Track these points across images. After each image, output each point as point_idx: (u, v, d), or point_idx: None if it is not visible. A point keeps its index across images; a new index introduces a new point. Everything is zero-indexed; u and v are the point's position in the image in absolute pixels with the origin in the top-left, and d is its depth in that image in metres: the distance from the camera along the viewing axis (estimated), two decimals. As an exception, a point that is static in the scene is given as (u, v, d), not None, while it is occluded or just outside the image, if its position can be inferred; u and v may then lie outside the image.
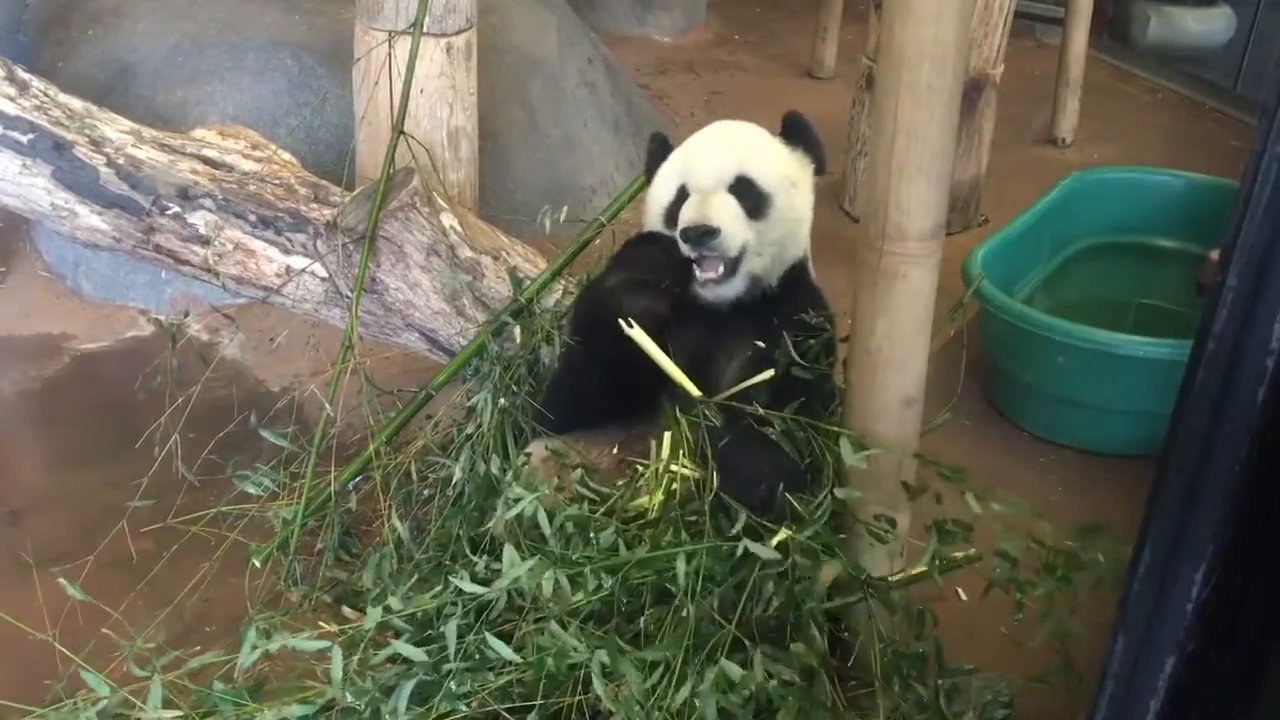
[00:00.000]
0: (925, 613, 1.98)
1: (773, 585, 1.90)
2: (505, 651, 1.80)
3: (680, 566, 1.86)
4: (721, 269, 2.12)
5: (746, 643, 1.84)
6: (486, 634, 1.83)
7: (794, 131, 2.28)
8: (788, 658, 1.84)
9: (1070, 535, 1.95)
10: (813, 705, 1.80)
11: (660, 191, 2.26)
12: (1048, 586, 1.91)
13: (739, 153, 2.19)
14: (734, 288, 2.16)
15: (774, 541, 1.89)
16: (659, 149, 2.34)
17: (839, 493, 1.96)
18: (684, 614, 1.85)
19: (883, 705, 1.87)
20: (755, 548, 1.87)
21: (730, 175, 2.16)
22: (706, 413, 2.03)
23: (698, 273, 2.14)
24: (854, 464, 1.95)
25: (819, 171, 2.29)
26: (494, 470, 2.27)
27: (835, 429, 2.03)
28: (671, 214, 2.18)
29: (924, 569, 2.01)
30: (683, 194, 2.19)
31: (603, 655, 1.77)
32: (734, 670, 1.76)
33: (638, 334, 2.06)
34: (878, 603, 1.96)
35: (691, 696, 1.75)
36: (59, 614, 2.11)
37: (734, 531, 1.92)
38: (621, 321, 2.06)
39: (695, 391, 2.06)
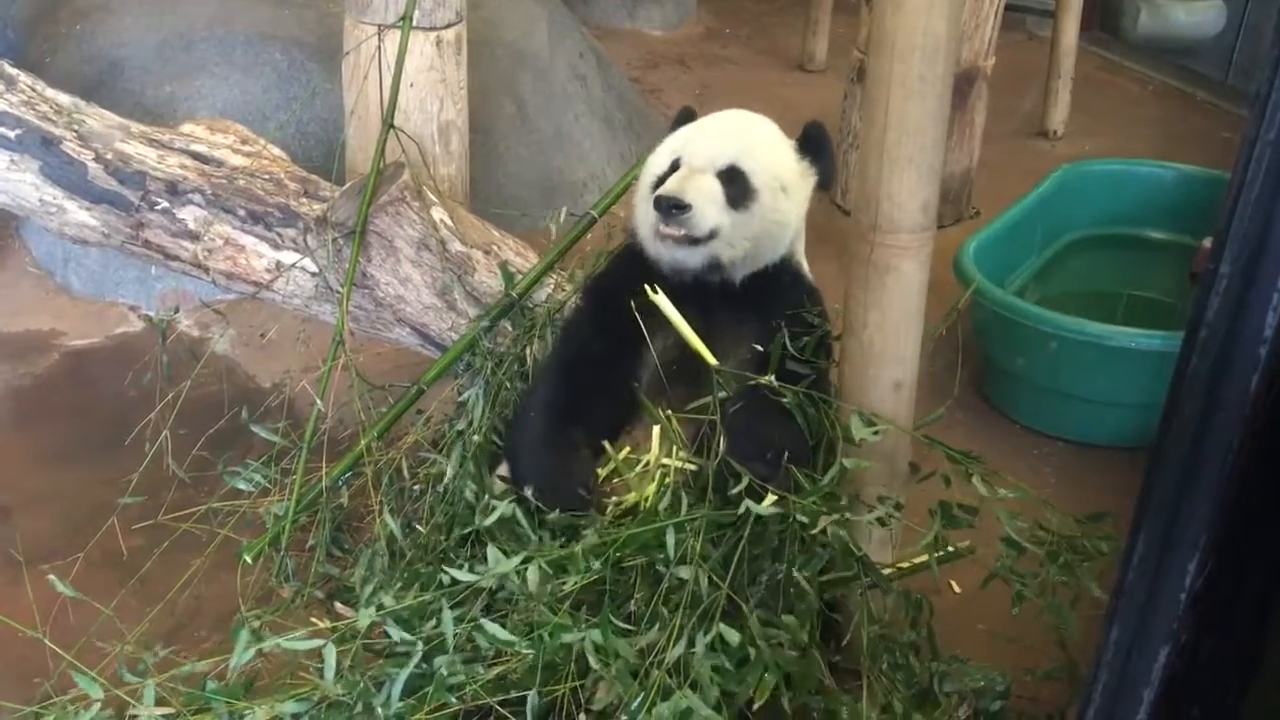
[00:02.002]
0: (923, 600, 1.98)
1: (770, 554, 1.89)
2: (499, 632, 1.80)
3: (670, 538, 1.85)
4: (682, 230, 2.12)
5: (743, 605, 1.83)
6: (481, 619, 1.82)
7: (810, 141, 2.28)
8: (782, 633, 1.84)
9: (1073, 524, 1.95)
10: (806, 674, 1.79)
11: (656, 161, 2.28)
12: (1049, 575, 1.91)
13: (738, 142, 2.20)
14: (694, 257, 2.16)
15: (769, 501, 1.88)
16: (682, 122, 2.36)
17: (847, 462, 1.96)
18: (676, 583, 1.84)
19: (878, 688, 1.87)
20: (755, 507, 1.86)
21: (724, 161, 2.16)
22: (720, 382, 2.03)
23: (662, 228, 2.14)
24: (864, 438, 1.95)
25: (824, 186, 2.28)
26: (473, 488, 2.27)
27: (840, 404, 2.03)
28: (659, 184, 2.19)
29: (922, 559, 2.01)
30: (675, 167, 2.20)
31: (595, 635, 1.76)
32: (732, 635, 1.76)
33: (661, 300, 2.09)
34: (872, 584, 1.96)
35: (685, 658, 1.74)
36: (49, 611, 2.10)
37: (735, 492, 1.91)
38: (646, 287, 2.09)
39: (712, 360, 2.07)
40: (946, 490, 1.97)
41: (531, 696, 1.75)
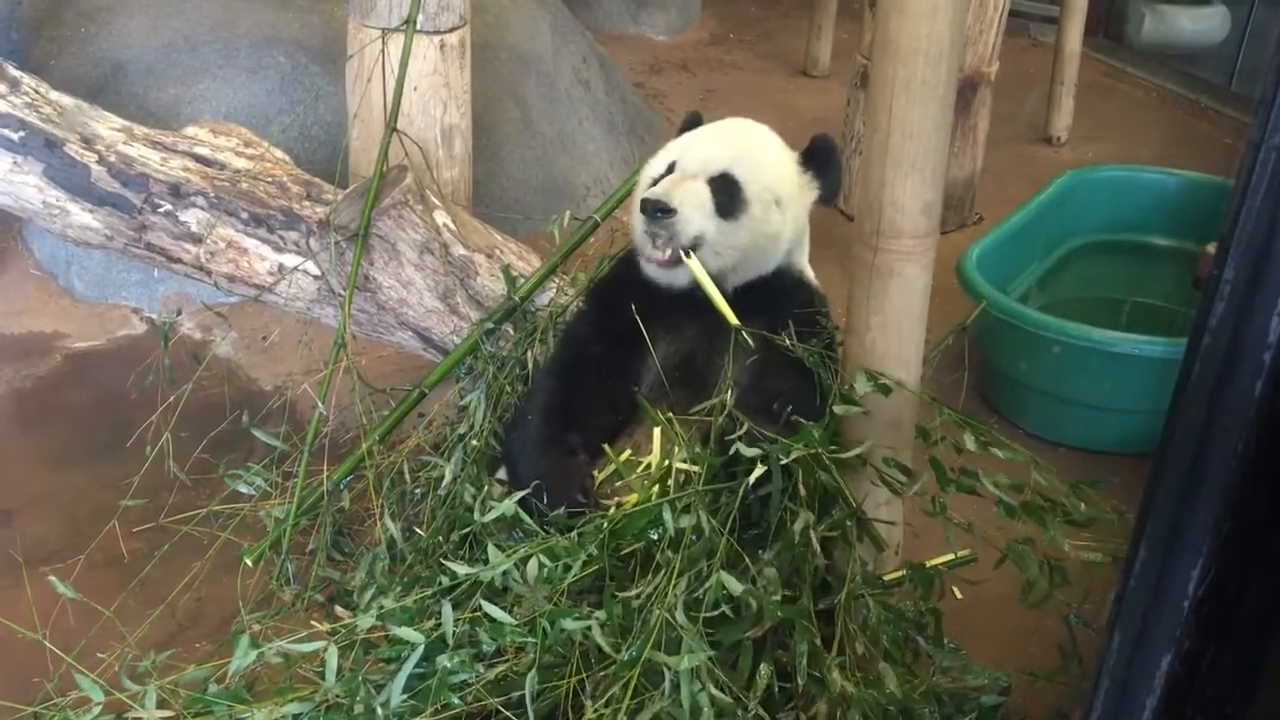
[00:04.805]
0: (935, 576, 1.96)
1: (771, 528, 1.88)
2: (500, 615, 1.79)
3: (667, 514, 1.85)
4: (669, 253, 2.11)
5: (747, 558, 1.82)
6: (483, 603, 1.82)
7: (816, 154, 2.25)
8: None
9: (1067, 491, 1.93)
10: (800, 623, 1.79)
11: (654, 165, 2.28)
12: (1044, 528, 1.89)
13: (734, 151, 2.19)
14: (680, 276, 2.15)
15: (762, 465, 1.87)
16: (688, 127, 2.36)
17: (837, 408, 1.95)
18: (675, 534, 1.84)
19: (857, 643, 1.85)
20: (745, 449, 1.86)
21: (716, 168, 2.15)
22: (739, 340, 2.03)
23: (649, 250, 2.13)
24: (865, 391, 1.94)
25: (825, 200, 2.26)
26: (473, 492, 2.26)
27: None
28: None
29: (935, 561, 2.00)
30: (670, 171, 2.20)
31: (600, 614, 1.76)
32: (734, 585, 1.75)
33: (693, 263, 2.09)
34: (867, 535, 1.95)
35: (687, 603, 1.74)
36: (50, 613, 2.10)
37: (734, 437, 1.90)
38: (679, 251, 2.09)
39: (734, 320, 2.06)
40: (958, 458, 1.95)
41: (530, 679, 1.73)
